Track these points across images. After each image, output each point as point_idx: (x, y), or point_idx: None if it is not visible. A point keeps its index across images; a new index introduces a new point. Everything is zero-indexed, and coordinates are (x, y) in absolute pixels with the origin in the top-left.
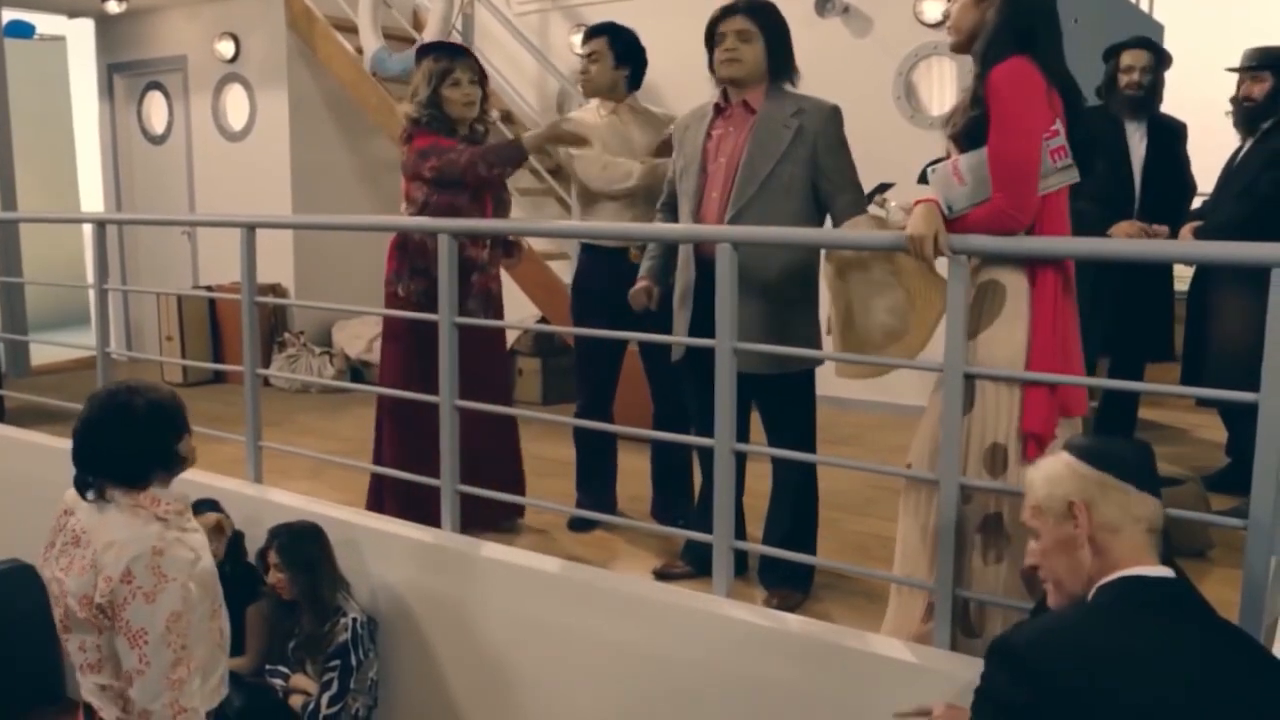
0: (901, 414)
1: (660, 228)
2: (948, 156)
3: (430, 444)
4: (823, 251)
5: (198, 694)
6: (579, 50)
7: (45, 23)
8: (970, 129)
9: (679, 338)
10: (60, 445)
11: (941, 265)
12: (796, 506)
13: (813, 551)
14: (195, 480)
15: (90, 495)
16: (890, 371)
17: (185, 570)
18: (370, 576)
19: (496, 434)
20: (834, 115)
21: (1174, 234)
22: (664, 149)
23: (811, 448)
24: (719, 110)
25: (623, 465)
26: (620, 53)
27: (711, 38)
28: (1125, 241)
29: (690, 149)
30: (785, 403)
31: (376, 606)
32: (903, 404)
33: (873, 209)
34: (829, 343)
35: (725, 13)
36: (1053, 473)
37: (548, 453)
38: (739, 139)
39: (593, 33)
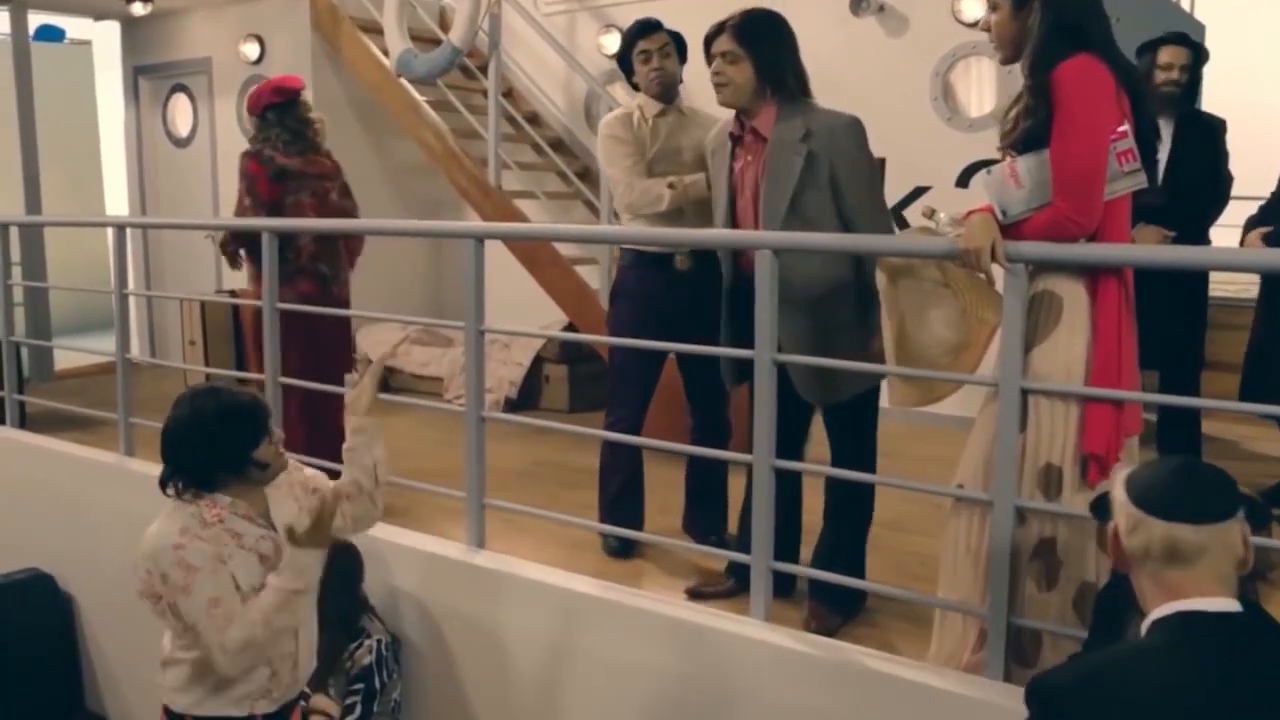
0: (939, 424)
1: (695, 233)
2: (1002, 159)
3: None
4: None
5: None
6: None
7: (71, 26)
8: (1029, 134)
9: (718, 349)
10: (80, 453)
11: (995, 276)
12: (843, 528)
13: (861, 574)
14: None
15: (169, 491)
16: (950, 394)
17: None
18: (394, 592)
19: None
20: (848, 131)
21: (1196, 235)
22: None
23: (872, 465)
24: (735, 139)
25: (652, 476)
26: (681, 51)
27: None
28: (1193, 250)
29: (717, 181)
30: (845, 427)
31: (400, 623)
32: (940, 414)
33: (921, 221)
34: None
35: (716, 30)
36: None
37: (574, 462)
38: (757, 170)
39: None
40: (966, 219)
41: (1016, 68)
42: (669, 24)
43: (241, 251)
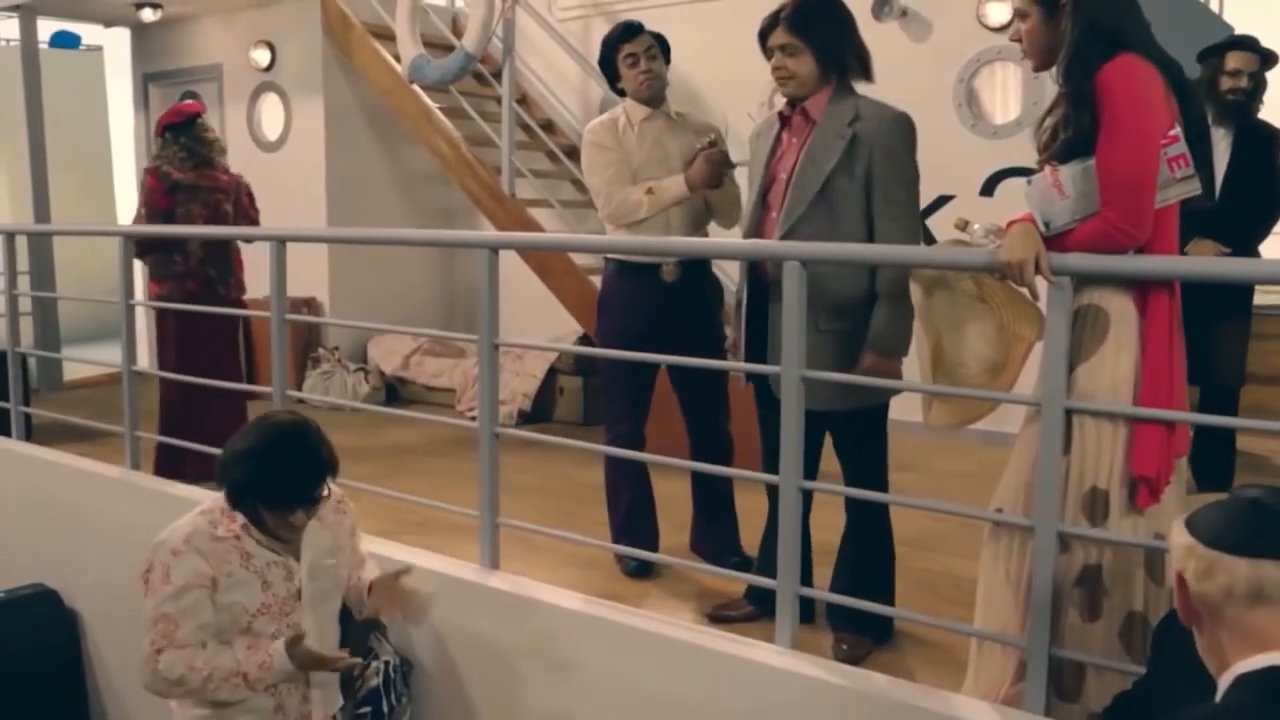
0: (961, 436)
1: (719, 243)
2: (1040, 169)
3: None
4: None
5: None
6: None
7: (83, 33)
8: (1071, 143)
9: (739, 364)
10: (85, 466)
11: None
12: (869, 548)
13: (889, 595)
14: None
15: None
16: (989, 413)
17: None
18: None
19: (231, 410)
20: (895, 124)
21: (1245, 248)
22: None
23: (885, 484)
24: (784, 120)
25: (660, 492)
26: (665, 52)
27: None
28: (1251, 262)
29: (756, 164)
30: (857, 438)
31: (410, 646)
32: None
33: (954, 232)
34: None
35: (770, 23)
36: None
37: (588, 477)
38: (798, 152)
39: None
40: (1007, 230)
41: (1046, 73)
42: (679, 27)
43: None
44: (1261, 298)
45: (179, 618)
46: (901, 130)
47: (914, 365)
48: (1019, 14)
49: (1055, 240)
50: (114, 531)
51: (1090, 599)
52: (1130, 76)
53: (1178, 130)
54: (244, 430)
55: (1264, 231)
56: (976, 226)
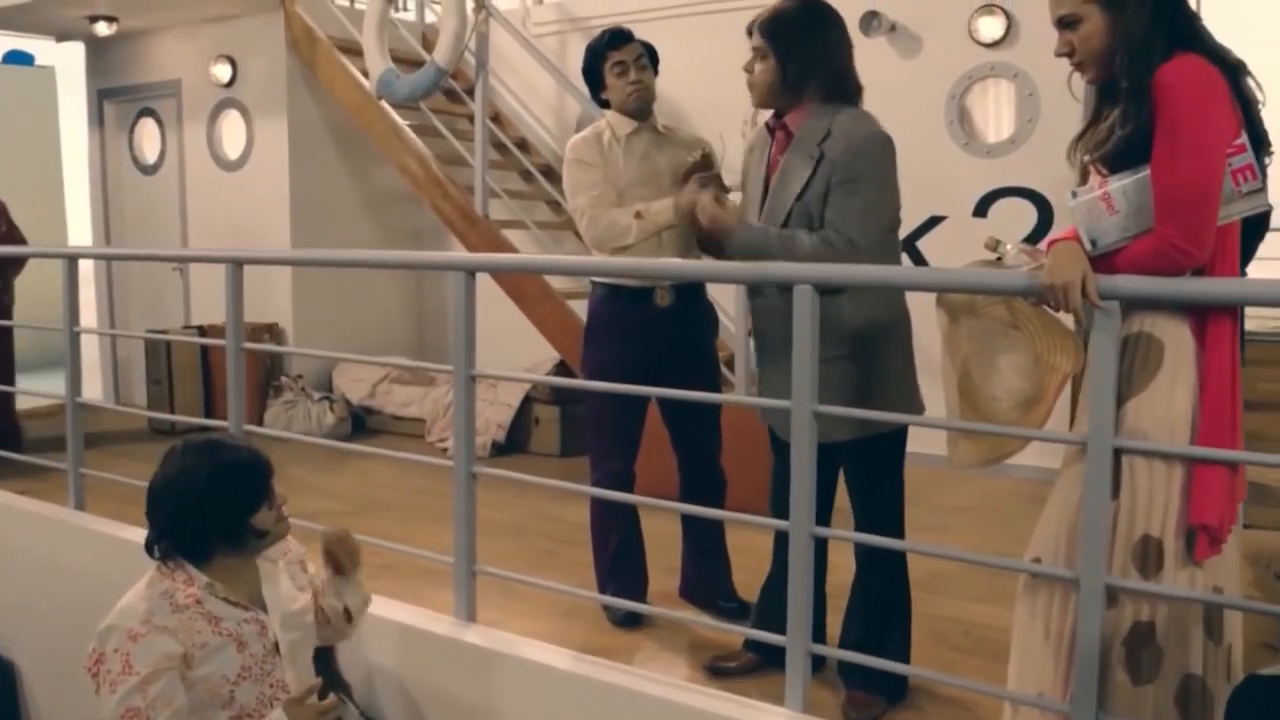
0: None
1: (724, 265)
2: (1082, 182)
3: None
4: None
5: None
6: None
7: (32, 48)
8: (1125, 149)
9: (744, 398)
10: (24, 505)
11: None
12: (882, 595)
13: (904, 648)
14: None
15: (155, 553)
16: (1019, 450)
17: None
18: (371, 669)
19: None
20: (864, 143)
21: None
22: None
23: (900, 522)
24: (772, 133)
25: (649, 532)
26: (654, 62)
27: None
28: None
29: (750, 181)
30: (866, 469)
31: (378, 705)
32: None
33: (984, 253)
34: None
35: (749, 25)
36: None
37: (568, 514)
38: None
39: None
40: (1049, 249)
41: (1040, 87)
42: (660, 41)
43: None
44: (1249, 323)
45: (150, 711)
46: (870, 152)
47: (937, 399)
48: (1066, 23)
49: (1102, 260)
50: (55, 577)
51: (1140, 659)
52: (1192, 79)
53: (1244, 139)
54: (161, 479)
55: (1254, 246)
56: (1009, 246)
